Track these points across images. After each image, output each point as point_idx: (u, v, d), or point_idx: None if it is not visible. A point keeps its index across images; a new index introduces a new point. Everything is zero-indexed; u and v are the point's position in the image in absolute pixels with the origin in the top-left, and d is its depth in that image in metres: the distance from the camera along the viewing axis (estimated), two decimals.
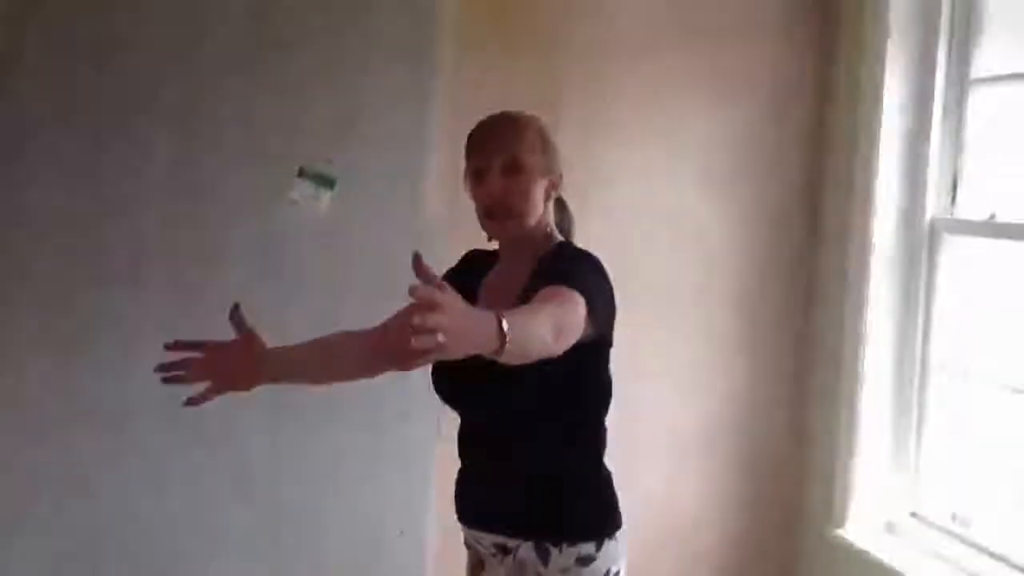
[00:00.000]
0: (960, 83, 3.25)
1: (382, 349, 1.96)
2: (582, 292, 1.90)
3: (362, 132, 3.20)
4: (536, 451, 2.13)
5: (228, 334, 2.03)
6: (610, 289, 2.08)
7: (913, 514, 3.39)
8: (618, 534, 2.17)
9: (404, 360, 1.52)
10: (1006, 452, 3.07)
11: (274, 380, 2.20)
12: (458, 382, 2.16)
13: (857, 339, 3.37)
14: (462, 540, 2.33)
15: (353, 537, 3.30)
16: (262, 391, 3.11)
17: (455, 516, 2.30)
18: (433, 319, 1.46)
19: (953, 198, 3.28)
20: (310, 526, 3.26)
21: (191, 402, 2.09)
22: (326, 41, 3.16)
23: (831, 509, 3.46)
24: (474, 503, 2.25)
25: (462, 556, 2.36)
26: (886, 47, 3.26)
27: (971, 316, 3.25)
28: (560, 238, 2.22)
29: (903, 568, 3.16)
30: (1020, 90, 3.07)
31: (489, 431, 2.20)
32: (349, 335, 2.20)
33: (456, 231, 3.17)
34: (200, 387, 2.11)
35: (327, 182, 3.18)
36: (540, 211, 2.16)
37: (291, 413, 3.18)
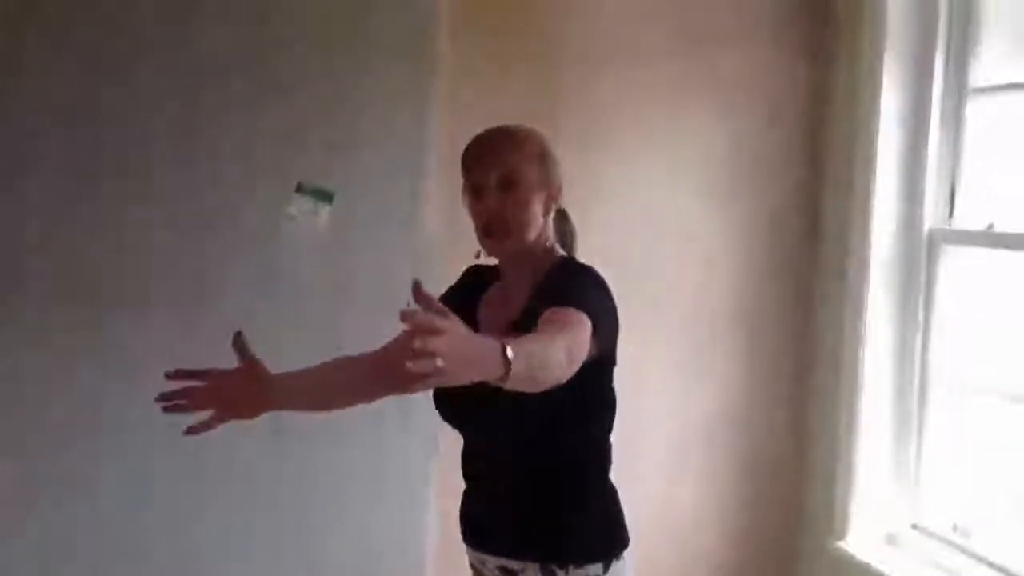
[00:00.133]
0: (958, 93, 3.25)
1: (382, 373, 1.94)
2: (587, 312, 1.88)
3: (361, 148, 3.20)
4: (540, 471, 2.11)
5: (227, 348, 2.01)
6: (613, 306, 2.06)
7: (914, 525, 3.38)
8: (625, 553, 2.15)
9: (404, 384, 1.50)
10: (1006, 462, 3.07)
11: (277, 407, 2.17)
12: (459, 404, 2.13)
13: (856, 350, 3.36)
14: (467, 562, 2.30)
15: (353, 552, 3.29)
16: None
17: (453, 532, 2.29)
18: (433, 343, 1.45)
19: (951, 208, 3.28)
20: (311, 541, 3.25)
21: (191, 431, 2.06)
22: (324, 57, 3.16)
23: (832, 521, 3.45)
24: (478, 524, 2.24)
25: (461, 572, 2.34)
26: (883, 57, 3.26)
27: (970, 326, 3.24)
28: (562, 253, 2.19)
29: None
30: (1018, 99, 3.07)
31: (492, 452, 2.18)
32: (351, 360, 2.18)
33: (455, 246, 3.17)
34: (202, 415, 2.08)
35: (325, 197, 3.18)
36: (539, 225, 2.13)
37: (292, 428, 3.14)
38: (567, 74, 3.37)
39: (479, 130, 2.18)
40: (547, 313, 1.86)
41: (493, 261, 2.23)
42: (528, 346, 1.67)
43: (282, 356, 3.21)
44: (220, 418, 2.09)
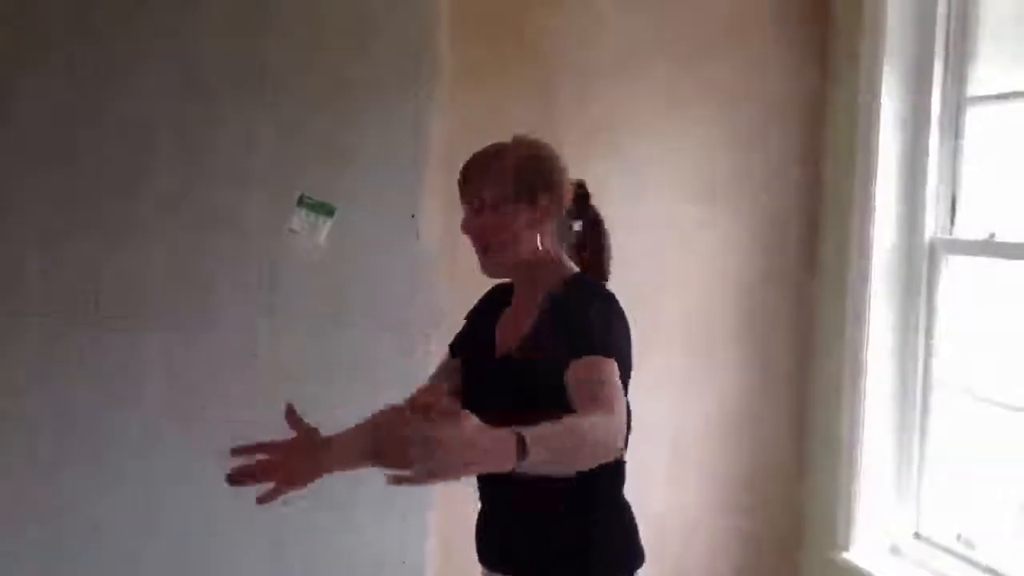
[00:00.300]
0: (957, 101, 3.24)
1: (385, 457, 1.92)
2: (607, 352, 1.94)
3: (359, 162, 3.21)
4: (555, 489, 2.04)
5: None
6: (625, 326, 2.08)
7: (917, 535, 3.36)
8: (639, 571, 2.15)
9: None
10: (1009, 471, 3.05)
11: (335, 470, 2.21)
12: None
13: (858, 359, 3.35)
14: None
15: (356, 565, 3.29)
16: (267, 419, 3.11)
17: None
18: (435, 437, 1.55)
19: (952, 218, 3.27)
20: (315, 554, 3.26)
21: (261, 501, 2.12)
22: (324, 72, 3.17)
23: (835, 531, 3.44)
24: (492, 544, 2.23)
25: None
26: (883, 65, 3.25)
27: (972, 336, 3.23)
28: (571, 267, 2.18)
29: None
30: (1017, 108, 3.07)
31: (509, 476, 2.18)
32: (396, 409, 2.19)
33: (453, 260, 3.18)
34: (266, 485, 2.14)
35: (327, 211, 3.19)
36: (528, 240, 2.13)
37: None
38: (567, 84, 3.37)
39: (477, 144, 2.21)
40: (574, 369, 1.91)
41: None
42: (553, 430, 1.74)
43: (281, 370, 3.23)
44: (280, 490, 2.14)
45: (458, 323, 3.35)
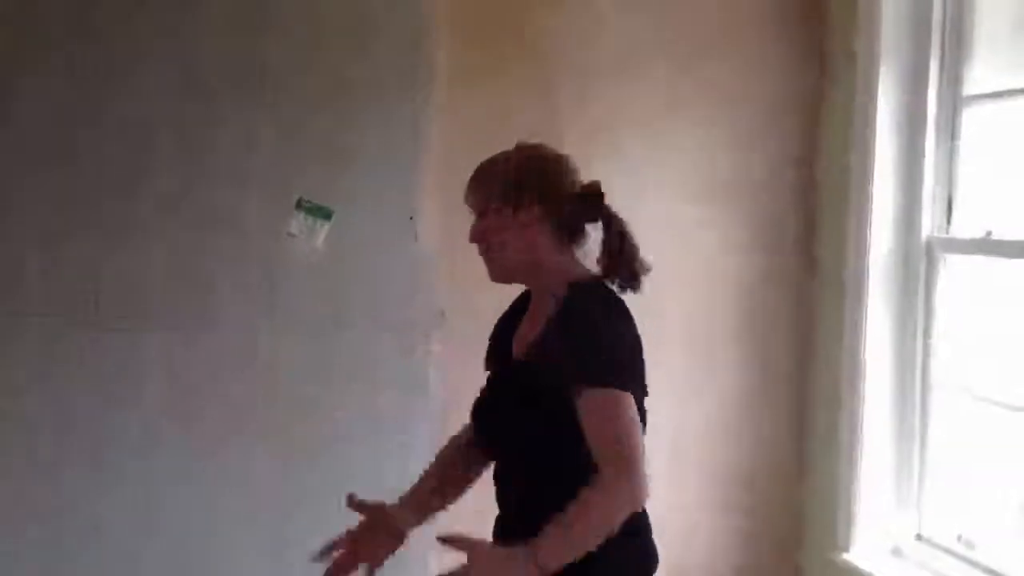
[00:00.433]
0: (953, 101, 3.25)
1: None
2: (616, 377, 1.99)
3: (359, 162, 3.22)
4: (567, 497, 2.03)
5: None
6: (628, 333, 2.11)
7: (918, 536, 3.36)
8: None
9: None
10: (1010, 472, 3.05)
11: (413, 527, 2.30)
12: (484, 430, 2.22)
13: (856, 359, 3.35)
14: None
15: None
16: (270, 422, 3.14)
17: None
18: None
19: (949, 217, 3.28)
20: (314, 548, 3.23)
21: None
22: (324, 73, 3.19)
23: (836, 533, 3.44)
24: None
25: None
26: (878, 65, 3.26)
27: (970, 335, 3.23)
28: (580, 271, 2.17)
29: None
30: (1013, 106, 3.08)
31: (519, 477, 2.19)
32: (454, 448, 2.38)
33: (452, 261, 3.19)
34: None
35: (324, 214, 3.20)
36: (526, 243, 2.15)
37: (298, 443, 3.21)
38: (567, 84, 3.39)
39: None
40: (584, 408, 1.98)
41: None
42: (563, 532, 1.94)
43: (281, 372, 3.24)
44: (372, 570, 2.26)
45: (457, 323, 3.36)
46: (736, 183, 3.54)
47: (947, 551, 3.23)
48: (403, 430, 3.24)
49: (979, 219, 3.17)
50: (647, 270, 2.18)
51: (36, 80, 3.05)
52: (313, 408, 3.22)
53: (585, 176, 2.26)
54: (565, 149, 2.25)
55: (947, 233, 3.28)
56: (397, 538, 2.26)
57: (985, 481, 3.17)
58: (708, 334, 3.58)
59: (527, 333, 2.19)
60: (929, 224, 3.30)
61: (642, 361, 2.13)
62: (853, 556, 3.38)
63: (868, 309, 3.33)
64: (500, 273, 2.21)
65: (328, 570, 2.23)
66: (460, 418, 3.25)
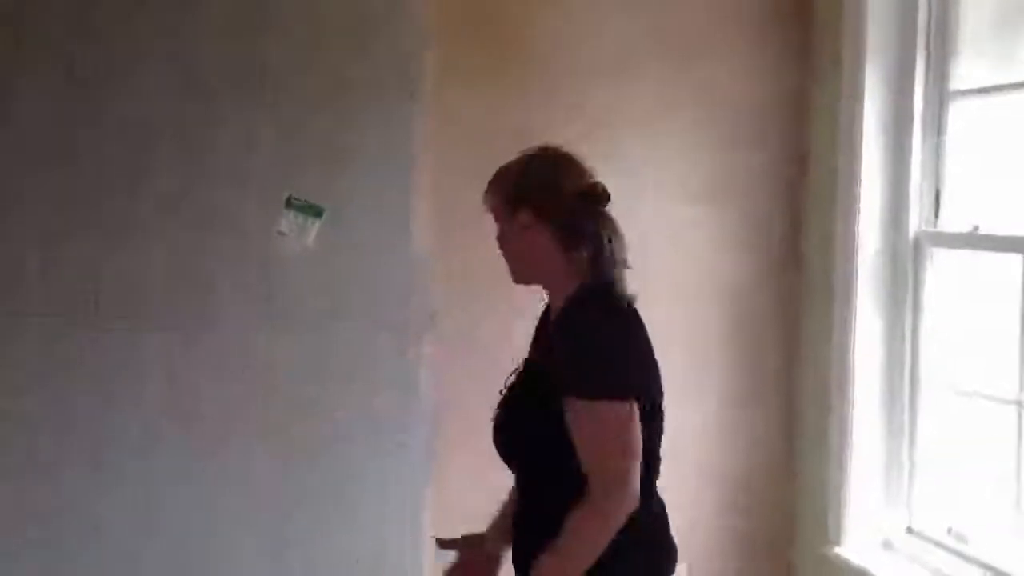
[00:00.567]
0: (939, 97, 3.29)
1: None
2: (603, 393, 1.99)
3: (358, 162, 3.22)
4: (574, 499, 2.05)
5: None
6: (633, 342, 2.11)
7: (909, 530, 3.40)
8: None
9: None
10: (999, 464, 3.08)
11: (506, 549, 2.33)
12: (509, 446, 2.21)
13: (845, 354, 3.38)
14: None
15: (356, 565, 3.29)
16: (269, 421, 3.14)
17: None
18: None
19: (936, 211, 3.32)
20: (315, 554, 3.26)
21: None
22: (323, 73, 3.19)
23: (827, 527, 3.46)
24: (527, 559, 2.15)
25: None
26: (865, 62, 3.30)
27: (958, 328, 3.28)
28: (578, 282, 2.14)
29: None
30: (999, 101, 3.13)
31: (533, 485, 2.20)
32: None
33: (447, 262, 3.21)
34: None
35: (315, 212, 3.20)
36: (530, 245, 2.15)
37: (298, 442, 3.21)
38: (563, 86, 3.41)
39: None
40: (573, 422, 2.00)
41: None
42: (562, 552, 2.00)
43: (279, 371, 3.24)
44: None
45: (454, 323, 3.38)
46: (724, 183, 3.56)
47: (937, 544, 3.27)
48: (402, 429, 3.25)
49: (966, 214, 3.22)
50: (624, 287, 2.15)
51: (36, 80, 3.04)
52: (312, 408, 3.23)
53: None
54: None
55: (935, 227, 3.31)
56: (496, 562, 2.36)
57: (974, 474, 3.21)
58: (698, 333, 3.59)
59: (541, 336, 2.25)
60: (917, 219, 3.34)
61: (653, 363, 2.14)
62: (845, 550, 3.41)
63: (856, 305, 3.36)
64: (514, 275, 2.22)
65: None
66: (452, 419, 3.29)
